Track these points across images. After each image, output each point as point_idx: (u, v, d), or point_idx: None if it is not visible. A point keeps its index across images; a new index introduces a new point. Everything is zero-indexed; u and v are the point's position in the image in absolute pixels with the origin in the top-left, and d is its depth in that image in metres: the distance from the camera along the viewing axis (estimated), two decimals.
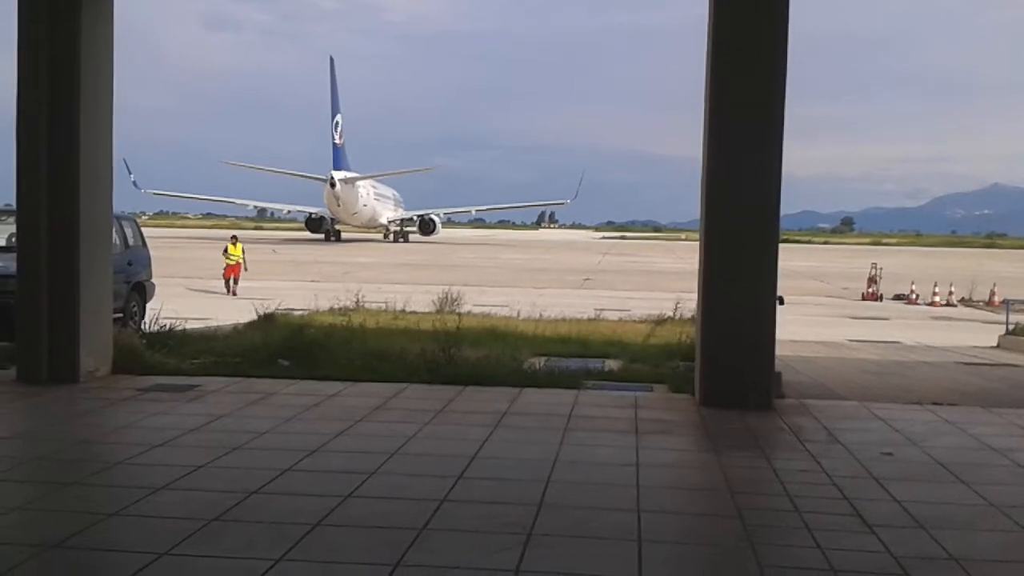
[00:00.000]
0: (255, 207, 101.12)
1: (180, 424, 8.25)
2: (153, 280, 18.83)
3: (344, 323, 14.81)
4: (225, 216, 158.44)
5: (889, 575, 4.93)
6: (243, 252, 31.48)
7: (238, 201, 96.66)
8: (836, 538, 5.47)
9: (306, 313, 18.57)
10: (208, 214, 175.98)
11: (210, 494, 6.12)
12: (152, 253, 19.20)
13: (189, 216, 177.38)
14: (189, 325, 14.20)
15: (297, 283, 32.32)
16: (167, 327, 13.12)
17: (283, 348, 11.99)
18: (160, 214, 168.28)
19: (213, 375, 10.84)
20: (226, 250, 31.02)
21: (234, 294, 28.55)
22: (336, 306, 18.79)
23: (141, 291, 17.96)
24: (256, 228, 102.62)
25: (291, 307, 19.36)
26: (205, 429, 8.13)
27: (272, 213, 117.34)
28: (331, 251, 64.36)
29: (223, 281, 30.12)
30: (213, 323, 16.58)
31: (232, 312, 19.59)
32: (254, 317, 16.46)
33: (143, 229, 19.57)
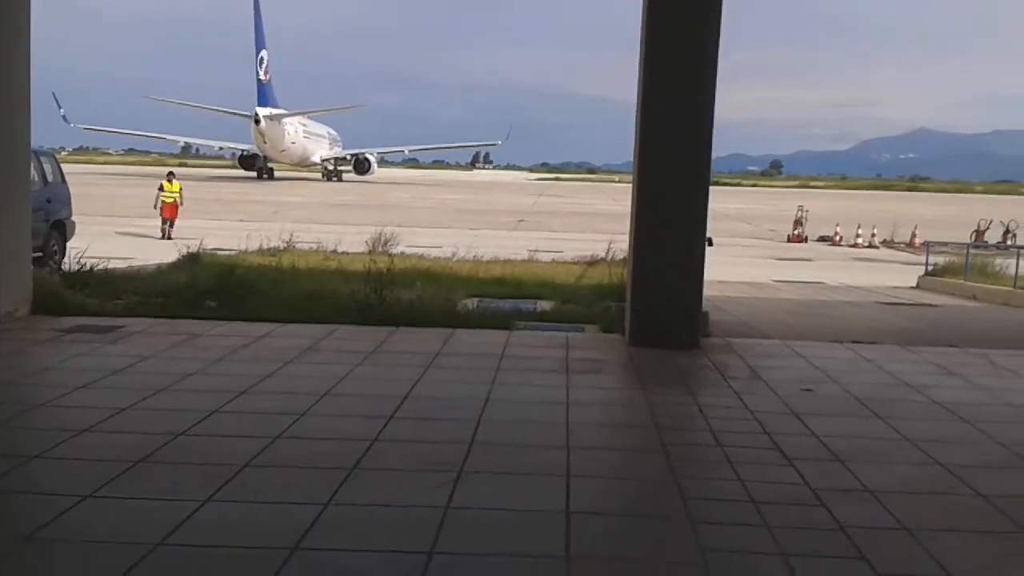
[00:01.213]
0: (185, 143, 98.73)
1: (103, 365, 8.07)
2: (73, 218, 18.26)
3: (273, 263, 14.59)
4: (148, 152, 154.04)
5: (807, 506, 5.10)
6: (180, 190, 29.53)
7: (168, 137, 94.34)
8: (756, 471, 5.65)
9: (233, 253, 18.23)
10: (131, 149, 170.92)
11: (135, 436, 6.01)
12: (72, 190, 18.59)
13: (111, 152, 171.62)
14: (111, 265, 13.82)
15: (224, 222, 31.63)
16: (88, 267, 12.74)
17: (210, 289, 11.76)
18: (80, 149, 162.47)
19: (137, 316, 10.60)
20: (161, 187, 29.05)
21: (169, 238, 26.42)
22: (265, 246, 18.48)
23: (61, 230, 17.44)
24: (181, 165, 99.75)
25: (218, 247, 18.99)
26: (129, 371, 7.96)
27: (197, 149, 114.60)
28: (261, 189, 63.12)
29: (161, 220, 28.15)
30: (136, 263, 16.19)
31: (156, 252, 19.14)
32: (179, 257, 16.11)
33: (63, 165, 18.91)
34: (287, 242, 19.16)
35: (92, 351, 8.76)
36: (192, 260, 15.77)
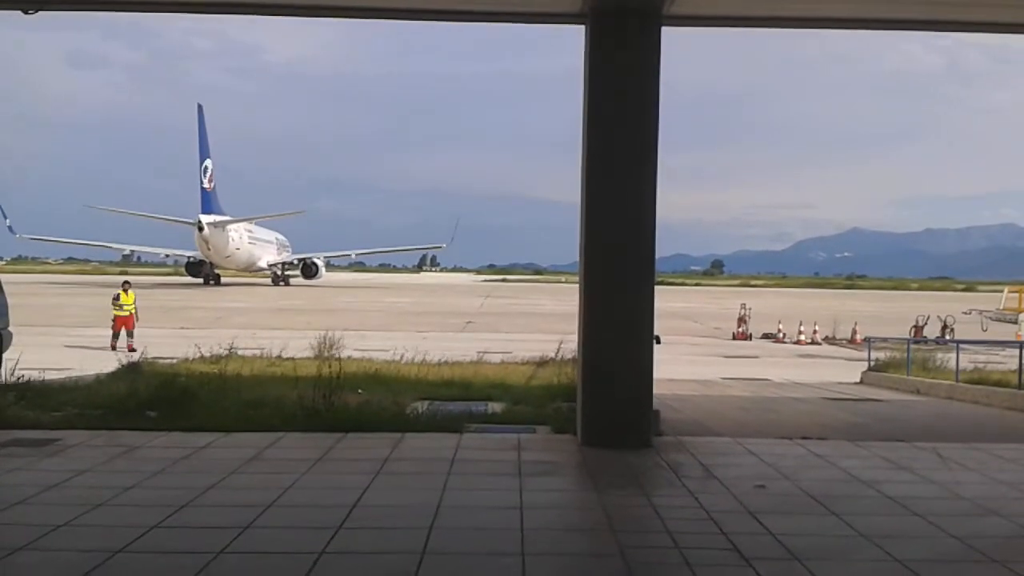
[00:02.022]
0: (129, 251, 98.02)
1: (39, 480, 7.74)
2: (11, 328, 17.77)
3: (216, 371, 14.28)
4: (88, 261, 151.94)
5: None
6: (135, 301, 28.08)
7: (113, 245, 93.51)
8: (715, 572, 5.56)
9: (175, 361, 17.85)
10: (70, 258, 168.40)
11: (72, 554, 5.75)
12: (10, 300, 18.15)
13: (50, 261, 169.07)
14: (50, 376, 13.44)
15: (166, 330, 31.08)
16: (25, 378, 12.36)
17: (150, 398, 11.45)
18: (19, 259, 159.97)
19: (75, 428, 10.24)
20: (117, 298, 27.78)
21: (131, 350, 24.45)
22: (208, 353, 18.12)
23: None
24: (123, 272, 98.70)
25: (159, 356, 18.61)
26: (66, 485, 7.64)
27: (139, 257, 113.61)
28: (204, 295, 62.43)
29: (113, 334, 27.00)
30: (76, 374, 15.75)
31: (96, 362, 18.67)
32: (118, 367, 15.74)
33: (0, 275, 18.52)
34: (230, 349, 18.81)
35: (28, 465, 8.42)
36: (132, 370, 15.40)
